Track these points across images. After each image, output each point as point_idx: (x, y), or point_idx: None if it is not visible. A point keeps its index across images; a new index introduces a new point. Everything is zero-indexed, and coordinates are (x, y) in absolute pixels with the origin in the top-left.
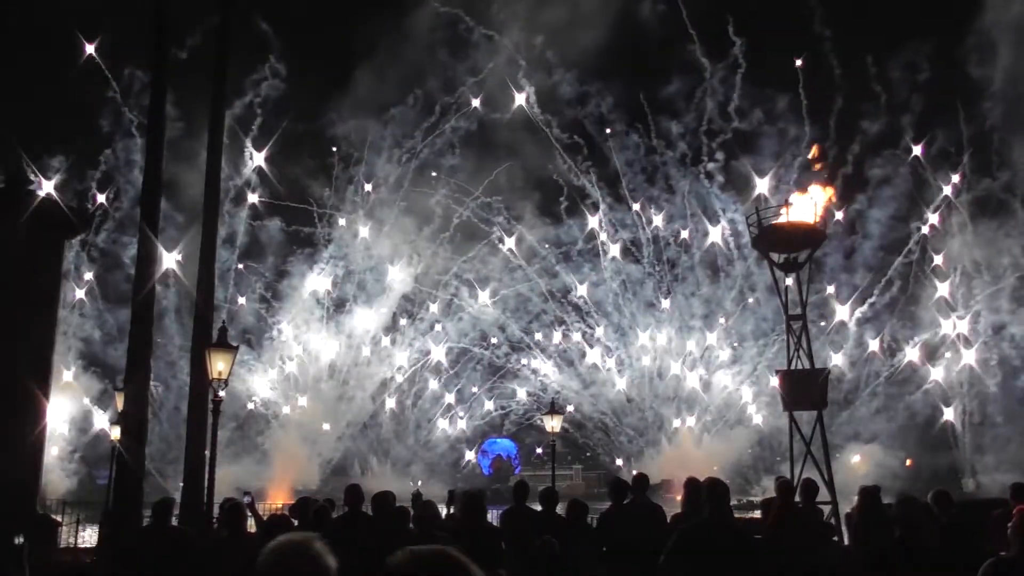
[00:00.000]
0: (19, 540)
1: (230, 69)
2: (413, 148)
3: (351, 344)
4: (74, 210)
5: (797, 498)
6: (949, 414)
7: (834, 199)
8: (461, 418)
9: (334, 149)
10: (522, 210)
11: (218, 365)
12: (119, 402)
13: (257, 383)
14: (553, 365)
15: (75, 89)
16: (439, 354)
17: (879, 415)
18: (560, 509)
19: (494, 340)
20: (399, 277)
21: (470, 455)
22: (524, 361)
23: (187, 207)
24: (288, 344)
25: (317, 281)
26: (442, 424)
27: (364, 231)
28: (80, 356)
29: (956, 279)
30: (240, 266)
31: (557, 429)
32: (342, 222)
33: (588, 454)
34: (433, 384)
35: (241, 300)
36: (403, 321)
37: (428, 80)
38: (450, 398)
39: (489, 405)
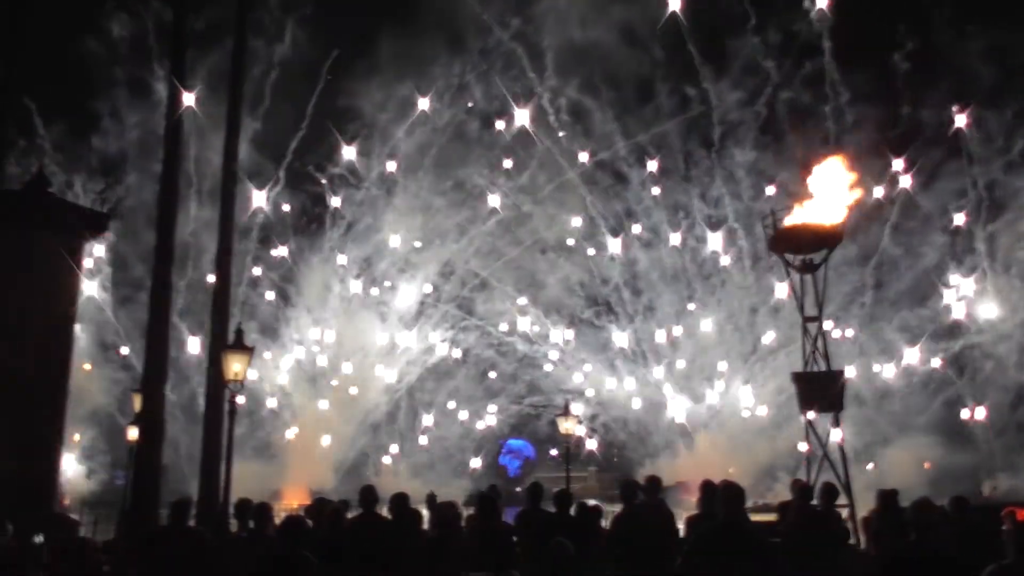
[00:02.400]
0: (38, 539)
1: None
2: (435, 122)
3: (369, 334)
4: (93, 213)
5: (815, 501)
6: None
7: (862, 197)
8: (483, 416)
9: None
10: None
11: (234, 366)
12: (137, 403)
13: (271, 377)
14: (575, 363)
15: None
16: (461, 347)
17: (918, 411)
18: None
19: (513, 339)
20: (421, 262)
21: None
22: (550, 356)
23: (202, 192)
24: (303, 335)
25: (333, 266)
26: (464, 418)
27: (384, 214)
28: (103, 350)
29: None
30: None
31: (572, 431)
32: (359, 198)
33: (608, 455)
34: (453, 380)
35: (255, 275)
36: (426, 309)
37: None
38: (472, 394)
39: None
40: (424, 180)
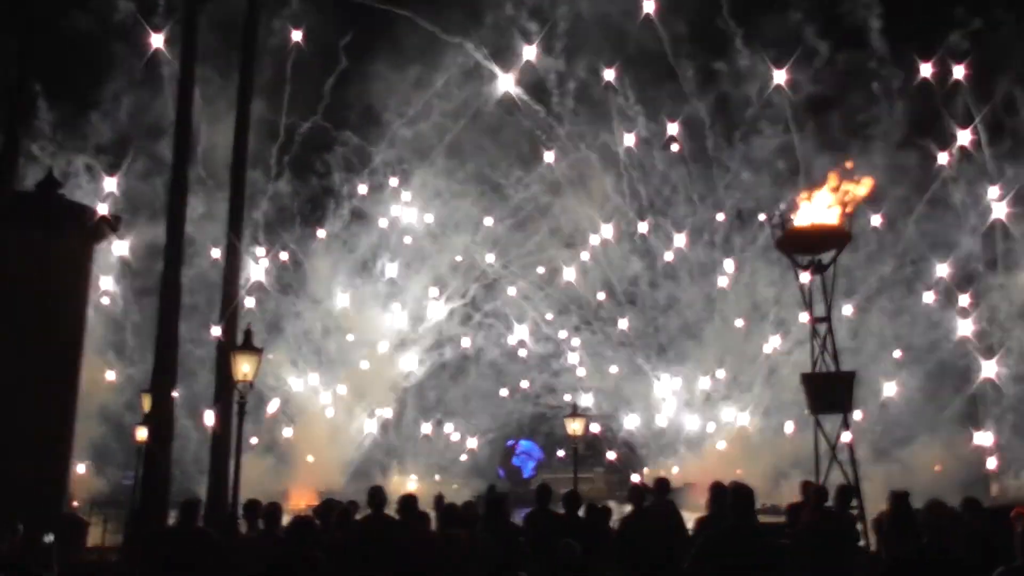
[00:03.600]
0: (48, 539)
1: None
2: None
3: (379, 329)
4: (104, 216)
5: (830, 502)
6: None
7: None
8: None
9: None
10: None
11: (243, 367)
12: (146, 403)
13: (277, 373)
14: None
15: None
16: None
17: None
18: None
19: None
20: (432, 254)
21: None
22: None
23: (212, 185)
24: (311, 325)
25: (343, 256)
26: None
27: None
28: (114, 349)
29: None
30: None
31: (579, 432)
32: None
33: (612, 457)
34: (467, 378)
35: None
36: (437, 304)
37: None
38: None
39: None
40: (439, 168)
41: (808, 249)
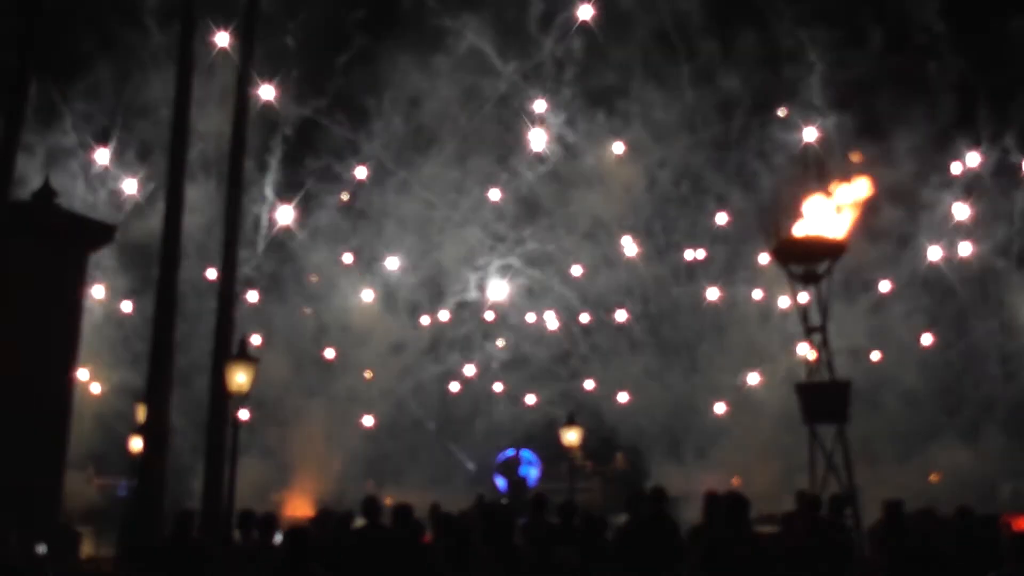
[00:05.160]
0: (41, 549)
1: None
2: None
3: (376, 330)
4: (99, 224)
5: (824, 511)
6: None
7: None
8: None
9: None
10: None
11: (238, 378)
12: (140, 413)
13: (275, 373)
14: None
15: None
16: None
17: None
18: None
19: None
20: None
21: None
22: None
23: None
24: (305, 325)
25: (340, 251)
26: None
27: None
28: (111, 355)
29: None
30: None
31: (575, 442)
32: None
33: (609, 464)
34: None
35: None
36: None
37: None
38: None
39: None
40: (445, 157)
41: (802, 259)
